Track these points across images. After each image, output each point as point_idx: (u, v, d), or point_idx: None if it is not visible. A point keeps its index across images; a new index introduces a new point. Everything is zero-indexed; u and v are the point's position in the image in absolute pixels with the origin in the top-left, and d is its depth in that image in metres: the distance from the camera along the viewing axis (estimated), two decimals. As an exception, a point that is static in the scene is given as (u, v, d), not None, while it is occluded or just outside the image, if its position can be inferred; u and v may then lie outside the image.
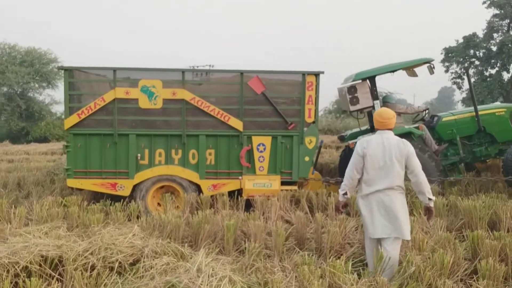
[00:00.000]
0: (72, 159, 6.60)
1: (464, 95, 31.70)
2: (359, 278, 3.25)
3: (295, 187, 6.74)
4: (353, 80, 7.29)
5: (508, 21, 29.94)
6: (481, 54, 30.42)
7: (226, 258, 3.80)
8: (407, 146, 3.84)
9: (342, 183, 4.05)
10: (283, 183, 6.78)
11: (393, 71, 7.54)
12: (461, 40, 31.00)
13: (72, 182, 6.65)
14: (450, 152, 7.77)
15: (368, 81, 7.31)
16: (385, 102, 7.97)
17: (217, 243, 4.62)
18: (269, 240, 4.66)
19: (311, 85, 6.76)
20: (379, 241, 3.90)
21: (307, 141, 6.79)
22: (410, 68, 7.64)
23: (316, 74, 6.77)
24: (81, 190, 6.90)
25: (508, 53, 27.18)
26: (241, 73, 6.62)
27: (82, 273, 3.41)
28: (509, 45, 27.47)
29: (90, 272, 3.56)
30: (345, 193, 4.01)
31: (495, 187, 6.97)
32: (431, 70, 7.21)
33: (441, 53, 31.73)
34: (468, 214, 5.16)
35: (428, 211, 3.89)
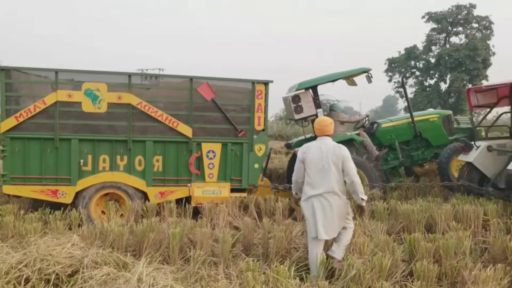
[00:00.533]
0: (9, 165, 6.22)
1: (406, 103, 33.44)
2: (302, 282, 3.31)
3: (245, 194, 6.77)
4: (297, 90, 7.46)
5: (445, 35, 32.09)
6: (421, 65, 32.35)
7: (170, 267, 3.73)
8: (343, 150, 4.16)
9: (292, 187, 4.50)
10: (232, 190, 6.77)
11: (333, 81, 7.81)
12: (403, 52, 32.80)
13: (8, 189, 6.25)
14: (390, 157, 8.15)
15: (310, 90, 7.52)
16: (331, 110, 8.22)
17: (162, 252, 4.52)
18: (217, 247, 4.64)
19: (261, 94, 6.83)
20: (322, 243, 4.13)
21: (256, 148, 6.84)
22: (349, 77, 7.94)
23: (266, 83, 6.85)
24: (18, 197, 6.50)
25: (445, 65, 29.11)
26: (191, 79, 6.57)
27: (15, 286, 3.22)
28: (446, 57, 29.43)
29: (24, 285, 3.36)
30: (296, 193, 4.52)
31: (432, 191, 7.37)
32: (369, 79, 7.54)
33: (385, 64, 33.41)
34: (406, 217, 5.43)
35: (360, 209, 4.42)
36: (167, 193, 6.55)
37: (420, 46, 32.71)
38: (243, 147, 6.79)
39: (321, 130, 4.28)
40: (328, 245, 4.37)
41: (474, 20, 31.28)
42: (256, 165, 6.85)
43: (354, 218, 4.57)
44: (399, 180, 7.84)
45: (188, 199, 6.56)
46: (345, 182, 4.22)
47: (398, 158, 8.04)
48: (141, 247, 4.61)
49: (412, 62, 32.68)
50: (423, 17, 32.47)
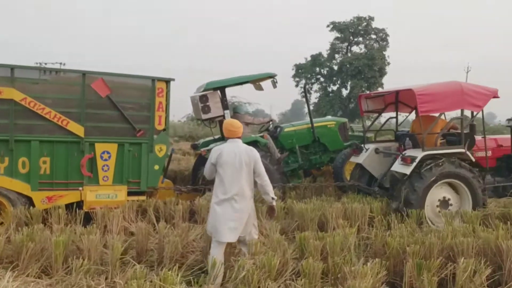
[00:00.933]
0: None
1: (310, 108, 35.19)
2: (190, 287, 3.24)
3: (143, 197, 6.50)
4: (204, 90, 7.40)
5: (347, 44, 34.40)
6: (325, 72, 34.26)
7: (48, 280, 3.41)
8: (254, 152, 4.28)
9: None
10: (130, 193, 6.47)
11: (241, 84, 7.90)
12: (309, 58, 34.46)
13: None
14: (291, 160, 8.45)
15: (219, 91, 7.51)
16: (235, 112, 8.29)
17: (44, 263, 4.14)
18: (107, 255, 4.37)
19: (162, 92, 6.63)
20: (224, 246, 4.17)
21: (157, 149, 6.62)
22: (256, 81, 8.09)
23: (167, 81, 6.67)
24: None
25: (346, 72, 31.19)
26: (84, 73, 6.15)
27: None
28: (347, 65, 31.55)
29: None
30: None
31: (326, 191, 7.79)
32: (274, 84, 7.76)
33: (292, 69, 34.82)
34: (301, 216, 5.65)
35: (271, 209, 4.54)
36: (55, 198, 6.04)
37: (325, 54, 34.65)
38: (142, 148, 6.53)
39: (233, 132, 4.31)
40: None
41: (373, 32, 34.00)
42: (156, 167, 6.63)
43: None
44: (298, 181, 8.15)
45: (80, 204, 6.12)
46: (255, 184, 4.32)
47: (298, 161, 8.36)
48: (19, 258, 4.17)
49: (317, 69, 34.50)
50: (328, 26, 34.49)
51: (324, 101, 32.73)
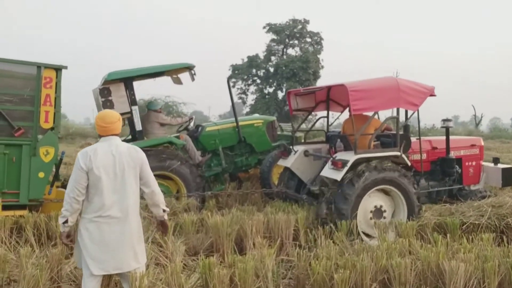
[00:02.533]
0: None
1: (247, 109, 34.51)
2: None
3: (24, 212, 5.22)
4: (106, 80, 6.25)
5: (283, 46, 34.22)
6: (261, 73, 33.81)
7: None
8: (140, 153, 3.24)
9: (63, 208, 3.11)
10: (5, 207, 5.19)
11: (152, 75, 6.83)
12: (246, 59, 33.84)
13: None
14: (214, 163, 7.53)
15: (123, 83, 6.38)
16: (149, 109, 7.21)
17: None
18: None
19: (50, 82, 5.44)
20: (100, 279, 3.16)
21: (42, 152, 5.38)
22: (172, 73, 7.06)
23: (57, 69, 5.47)
24: None
25: (282, 74, 30.92)
26: None
27: None
28: (283, 67, 31.31)
29: None
30: (66, 221, 3.10)
31: (252, 198, 6.94)
32: (192, 76, 6.79)
33: (229, 70, 33.99)
34: (216, 231, 4.71)
35: (162, 225, 3.48)
36: None
37: (262, 56, 34.19)
38: (22, 151, 5.28)
39: (106, 129, 3.20)
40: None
41: (308, 35, 34.09)
42: (41, 174, 5.39)
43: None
44: (220, 187, 7.23)
45: None
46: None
47: (221, 164, 7.45)
48: None
49: (254, 70, 33.95)
50: (264, 27, 34.07)
51: (261, 103, 32.21)
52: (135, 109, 6.48)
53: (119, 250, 3.09)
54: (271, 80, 32.97)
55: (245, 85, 34.47)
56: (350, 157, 5.40)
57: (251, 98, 34.97)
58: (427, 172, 6.52)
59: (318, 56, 32.98)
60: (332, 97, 6.99)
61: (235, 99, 37.49)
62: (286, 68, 31.05)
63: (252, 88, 34.46)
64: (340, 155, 5.66)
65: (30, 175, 5.31)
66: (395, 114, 5.76)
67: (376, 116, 6.29)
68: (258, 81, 34.08)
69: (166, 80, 7.55)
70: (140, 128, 6.50)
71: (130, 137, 7.25)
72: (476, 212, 5.13)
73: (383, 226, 4.97)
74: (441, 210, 5.40)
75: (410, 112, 6.07)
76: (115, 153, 3.13)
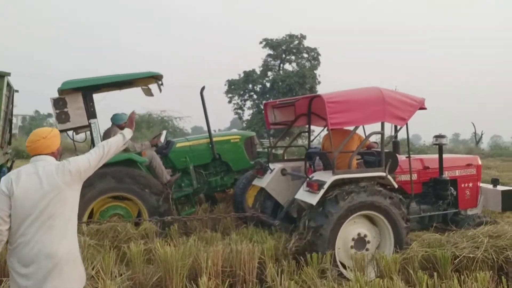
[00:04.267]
0: None
1: (244, 124, 33.92)
2: None
3: None
4: (61, 90, 5.63)
5: (279, 61, 33.83)
6: (258, 88, 33.35)
7: None
8: (65, 164, 2.66)
9: None
10: None
11: (116, 85, 6.19)
12: (242, 74, 33.42)
13: None
14: (185, 183, 6.83)
15: (81, 94, 5.75)
16: (113, 123, 6.56)
17: None
18: None
19: None
20: None
21: None
22: (139, 83, 6.42)
23: (1, 76, 4.87)
24: None
25: (278, 89, 30.44)
26: None
27: None
28: (279, 83, 30.86)
29: None
30: None
31: (223, 222, 6.23)
32: (159, 87, 6.15)
33: (225, 85, 33.54)
34: (165, 265, 4.01)
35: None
36: None
37: (258, 70, 33.78)
38: None
39: (33, 148, 2.69)
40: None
41: (305, 51, 33.70)
42: None
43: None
44: (190, 210, 6.52)
45: None
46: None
47: (192, 185, 6.75)
48: None
49: (250, 86, 33.48)
50: (260, 42, 33.71)
51: (257, 118, 31.61)
52: (94, 122, 5.83)
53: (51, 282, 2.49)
54: (267, 95, 32.47)
55: (241, 100, 33.99)
56: (328, 178, 4.73)
57: (247, 113, 34.43)
58: (418, 195, 5.82)
59: (315, 71, 32.54)
60: (314, 110, 6.31)
61: (232, 114, 37.06)
62: (283, 83, 30.57)
63: (249, 103, 33.94)
64: (318, 175, 4.98)
65: None
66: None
67: (361, 132, 5.63)
68: (255, 96, 33.59)
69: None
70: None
71: None
72: (471, 243, 4.40)
73: (360, 259, 4.24)
74: (430, 240, 4.67)
75: (399, 127, 5.42)
76: (42, 174, 2.58)
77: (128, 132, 3.06)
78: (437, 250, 4.31)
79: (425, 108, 5.40)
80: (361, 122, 5.13)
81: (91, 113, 5.81)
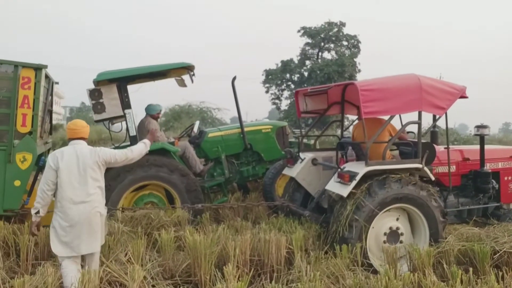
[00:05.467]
0: None
1: (281, 114, 33.70)
2: None
3: None
4: (96, 81, 5.79)
5: (318, 50, 33.20)
6: (295, 78, 32.94)
7: None
8: (97, 151, 3.82)
9: (35, 201, 3.74)
10: None
11: (149, 76, 6.31)
12: (280, 64, 33.11)
13: None
14: (217, 172, 6.88)
15: (116, 85, 5.90)
16: (147, 114, 6.71)
17: None
18: None
19: (28, 82, 5.05)
20: (79, 261, 3.74)
21: (18, 158, 4.98)
22: (172, 74, 6.51)
23: (37, 68, 5.08)
24: None
25: (315, 78, 29.85)
26: None
27: None
28: (318, 71, 30.28)
29: None
30: (38, 212, 3.72)
31: (256, 210, 6.24)
32: (191, 78, 6.21)
33: (262, 75, 33.36)
34: (194, 252, 4.06)
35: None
36: None
37: (296, 60, 33.33)
38: None
39: (75, 132, 3.86)
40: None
41: (344, 38, 32.85)
42: (17, 182, 4.98)
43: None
44: (222, 199, 6.57)
45: None
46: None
47: (224, 174, 6.79)
48: None
49: (288, 75, 33.11)
50: (298, 31, 33.19)
51: (295, 108, 31.19)
52: (129, 112, 5.98)
53: (85, 232, 3.63)
54: (305, 85, 31.91)
55: (278, 90, 33.70)
56: (360, 169, 4.60)
57: (284, 104, 34.08)
58: (456, 187, 5.56)
59: (355, 59, 31.68)
60: (348, 98, 6.15)
61: (269, 104, 37.00)
62: (321, 72, 29.96)
63: (286, 93, 33.58)
64: (349, 166, 4.86)
65: (5, 183, 4.92)
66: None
67: (398, 121, 5.43)
68: (292, 86, 33.20)
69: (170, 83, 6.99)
70: (134, 133, 5.99)
71: (129, 142, 6.79)
72: (513, 238, 4.17)
73: (392, 252, 4.12)
74: (468, 234, 4.45)
75: (438, 116, 5.18)
76: (79, 154, 3.72)
77: (149, 144, 4.20)
78: (475, 244, 4.10)
79: (466, 97, 5.12)
80: (397, 111, 4.96)
81: (125, 104, 5.95)
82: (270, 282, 3.80)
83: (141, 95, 6.79)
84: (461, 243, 4.22)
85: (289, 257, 4.27)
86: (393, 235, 4.69)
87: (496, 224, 4.80)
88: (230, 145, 6.99)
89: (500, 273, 3.57)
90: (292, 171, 5.75)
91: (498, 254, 4.06)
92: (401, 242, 4.68)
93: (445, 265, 3.83)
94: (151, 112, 6.63)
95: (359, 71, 31.34)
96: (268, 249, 4.15)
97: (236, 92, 6.88)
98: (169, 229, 4.57)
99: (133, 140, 5.93)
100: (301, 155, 5.84)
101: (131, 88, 6.19)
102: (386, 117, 5.10)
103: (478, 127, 5.58)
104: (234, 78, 6.91)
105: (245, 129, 7.03)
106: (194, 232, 4.37)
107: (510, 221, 5.02)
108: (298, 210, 5.31)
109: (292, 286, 3.34)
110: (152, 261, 4.20)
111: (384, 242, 4.62)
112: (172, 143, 6.20)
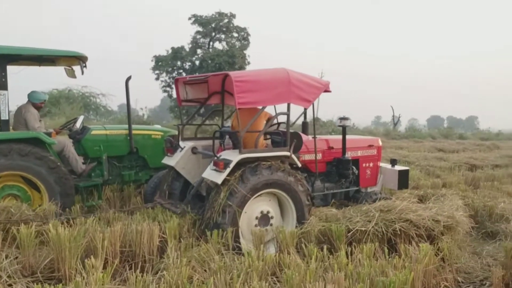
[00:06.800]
0: None
1: (173, 103, 33.07)
2: None
3: None
4: None
5: (209, 39, 33.25)
6: (187, 66, 32.58)
7: None
8: None
9: None
10: None
11: (35, 59, 5.72)
12: (170, 51, 32.40)
13: None
14: (95, 173, 6.46)
15: None
16: (28, 100, 6.08)
17: None
18: None
19: None
20: None
21: None
22: (62, 62, 5.98)
23: None
24: None
25: (207, 68, 29.91)
26: None
27: None
28: (209, 61, 30.37)
29: None
30: None
31: (134, 201, 6.08)
32: (82, 69, 5.77)
33: (152, 61, 32.33)
34: (58, 246, 3.83)
35: None
36: None
37: (187, 48, 32.93)
38: None
39: None
40: None
41: (234, 30, 33.37)
42: None
43: None
44: (97, 202, 6.21)
45: None
46: None
47: (103, 176, 6.46)
48: None
49: (179, 63, 32.60)
50: (189, 18, 32.79)
51: (186, 97, 30.93)
52: (4, 94, 5.34)
53: None
54: (197, 73, 31.85)
55: (169, 78, 32.99)
56: (234, 157, 4.78)
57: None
58: (323, 174, 6.11)
59: (245, 51, 32.45)
60: (227, 88, 6.30)
61: (160, 92, 35.94)
62: (212, 62, 30.11)
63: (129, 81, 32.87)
64: (225, 154, 5.01)
65: None
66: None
67: (272, 112, 5.72)
68: (184, 74, 32.77)
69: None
70: (6, 118, 5.38)
71: None
72: (364, 217, 4.73)
73: (260, 235, 4.38)
74: (328, 215, 4.94)
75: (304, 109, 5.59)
76: None
77: None
78: (332, 224, 4.56)
79: (329, 91, 5.62)
80: (268, 103, 5.21)
81: (1, 84, 5.31)
82: (141, 272, 3.76)
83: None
84: (321, 224, 4.66)
85: (163, 246, 4.27)
86: (264, 219, 4.97)
87: (351, 206, 5.39)
88: (114, 146, 6.63)
89: (350, 249, 4.02)
90: (172, 160, 5.73)
91: (351, 232, 4.57)
92: (271, 225, 5.00)
93: (304, 244, 4.18)
94: (33, 100, 6.03)
95: (249, 63, 32.25)
96: (140, 239, 4.09)
97: (129, 93, 6.59)
98: (30, 223, 4.22)
99: (4, 125, 5.34)
100: (181, 143, 5.84)
101: (12, 70, 5.58)
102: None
103: (341, 119, 6.16)
104: (129, 78, 6.61)
105: (134, 131, 6.73)
106: (59, 225, 4.11)
107: (366, 203, 5.67)
108: (171, 208, 5.27)
109: (159, 274, 3.35)
110: (10, 258, 3.86)
111: (256, 225, 4.89)
112: (49, 134, 5.69)
